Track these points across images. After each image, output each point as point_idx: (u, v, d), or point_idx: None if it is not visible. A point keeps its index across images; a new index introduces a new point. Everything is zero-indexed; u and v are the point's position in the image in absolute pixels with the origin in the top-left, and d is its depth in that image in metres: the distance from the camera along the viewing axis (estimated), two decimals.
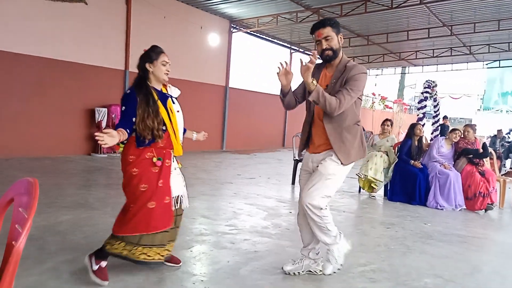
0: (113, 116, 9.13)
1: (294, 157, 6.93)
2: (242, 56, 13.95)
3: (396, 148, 6.15)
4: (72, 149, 8.94)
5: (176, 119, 2.58)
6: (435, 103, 14.01)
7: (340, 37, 2.60)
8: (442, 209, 5.52)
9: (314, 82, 2.43)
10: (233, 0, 10.83)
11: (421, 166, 5.82)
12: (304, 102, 2.80)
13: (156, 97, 2.48)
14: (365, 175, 5.95)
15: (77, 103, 8.93)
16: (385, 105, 27.35)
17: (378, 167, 5.94)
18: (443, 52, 16.61)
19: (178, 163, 2.72)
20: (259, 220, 4.30)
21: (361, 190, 6.37)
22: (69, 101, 8.79)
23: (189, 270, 2.78)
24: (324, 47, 2.56)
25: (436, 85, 13.20)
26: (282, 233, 3.87)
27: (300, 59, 2.48)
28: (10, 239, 1.36)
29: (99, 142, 2.02)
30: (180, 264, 2.79)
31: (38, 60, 8.10)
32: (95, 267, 2.42)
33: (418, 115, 13.61)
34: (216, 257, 3.07)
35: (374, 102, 26.19)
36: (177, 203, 2.61)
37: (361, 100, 2.79)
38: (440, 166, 5.78)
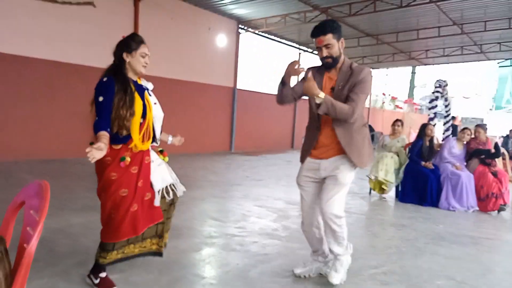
0: None
1: None
2: (250, 57, 13.92)
3: (407, 149, 6.09)
4: (81, 151, 8.93)
5: (153, 112, 2.39)
6: (446, 103, 13.84)
7: (342, 42, 2.55)
8: (454, 211, 5.45)
9: (321, 94, 2.40)
10: (241, 1, 10.83)
11: (432, 167, 5.76)
12: (304, 102, 2.78)
13: (133, 88, 2.30)
14: (375, 176, 5.90)
15: (86, 105, 8.92)
16: (396, 105, 27.13)
17: (389, 168, 5.87)
18: (454, 51, 16.41)
19: (163, 156, 2.55)
20: (268, 222, 4.28)
21: (372, 191, 6.31)
22: (78, 104, 8.80)
23: (199, 272, 2.78)
24: (324, 55, 2.52)
25: (447, 85, 13.01)
26: (292, 235, 3.85)
27: (295, 61, 2.56)
28: (21, 242, 1.37)
29: (89, 159, 1.87)
30: None
31: (47, 63, 8.19)
32: (97, 281, 2.37)
33: (429, 115, 13.46)
34: (226, 260, 3.06)
35: (384, 102, 25.97)
36: (168, 193, 2.45)
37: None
38: (452, 167, 5.71)
